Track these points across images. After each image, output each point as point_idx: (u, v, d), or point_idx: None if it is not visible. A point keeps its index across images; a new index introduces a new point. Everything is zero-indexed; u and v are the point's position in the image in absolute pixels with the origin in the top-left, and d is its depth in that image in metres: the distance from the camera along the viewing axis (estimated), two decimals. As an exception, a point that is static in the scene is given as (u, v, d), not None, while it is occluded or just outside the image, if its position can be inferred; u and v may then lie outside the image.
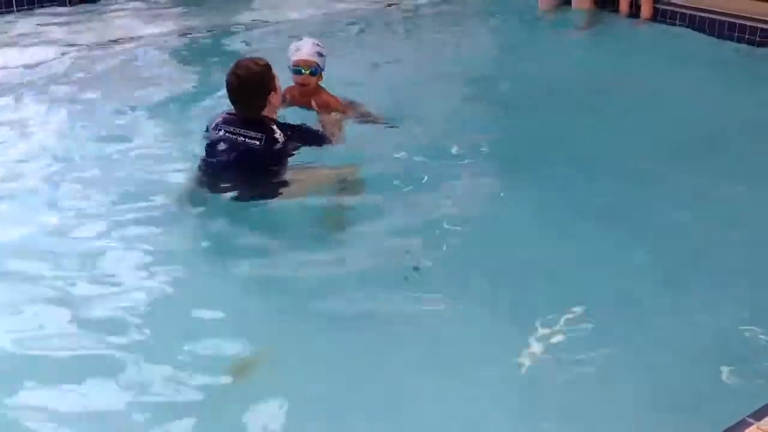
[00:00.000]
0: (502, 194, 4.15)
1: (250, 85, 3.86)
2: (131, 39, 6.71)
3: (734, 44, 6.41)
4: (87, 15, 7.34)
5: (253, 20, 7.31)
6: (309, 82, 4.52)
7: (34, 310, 3.19)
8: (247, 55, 4.62)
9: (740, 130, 4.88)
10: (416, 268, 3.42)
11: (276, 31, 6.95)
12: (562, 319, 3.11)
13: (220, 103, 4.37)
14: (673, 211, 3.97)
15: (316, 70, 4.51)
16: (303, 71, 4.49)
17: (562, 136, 4.75)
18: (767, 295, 3.29)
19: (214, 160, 3.91)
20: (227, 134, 3.89)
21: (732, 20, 6.52)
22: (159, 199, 3.95)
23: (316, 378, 2.83)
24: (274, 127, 3.92)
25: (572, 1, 7.37)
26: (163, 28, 7.04)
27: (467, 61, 6.33)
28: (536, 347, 2.98)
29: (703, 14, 6.70)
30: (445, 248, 3.63)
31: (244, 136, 3.86)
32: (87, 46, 6.48)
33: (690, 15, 6.78)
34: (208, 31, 6.98)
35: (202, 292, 3.34)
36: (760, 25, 6.37)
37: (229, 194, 3.83)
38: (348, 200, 3.91)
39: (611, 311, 3.20)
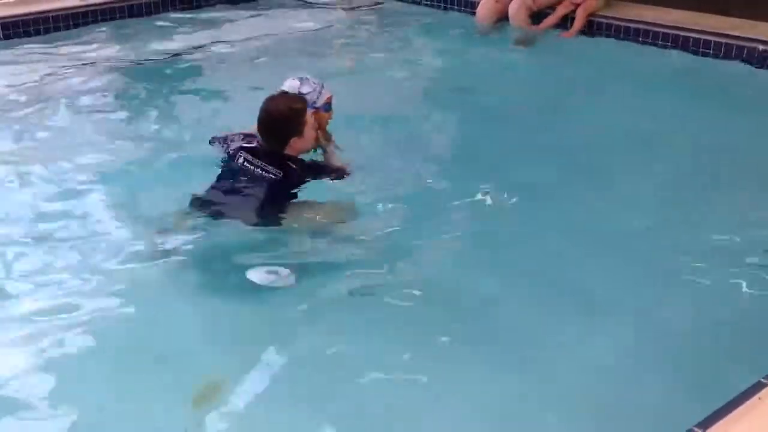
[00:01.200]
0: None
1: (276, 123, 3.87)
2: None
3: (671, 53, 6.51)
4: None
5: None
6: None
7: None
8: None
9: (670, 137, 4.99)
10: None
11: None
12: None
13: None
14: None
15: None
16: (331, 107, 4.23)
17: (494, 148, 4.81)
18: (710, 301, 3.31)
19: (227, 185, 3.87)
20: (246, 164, 3.86)
21: (665, 31, 6.62)
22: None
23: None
24: (294, 166, 3.90)
25: (509, 18, 7.39)
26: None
27: (403, 78, 6.30)
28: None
29: (635, 26, 6.77)
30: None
31: (262, 169, 3.85)
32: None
33: (623, 27, 6.86)
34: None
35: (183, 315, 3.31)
36: (691, 35, 6.47)
37: (229, 220, 3.76)
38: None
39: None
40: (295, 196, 3.89)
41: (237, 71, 6.42)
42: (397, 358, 2.98)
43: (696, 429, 2.24)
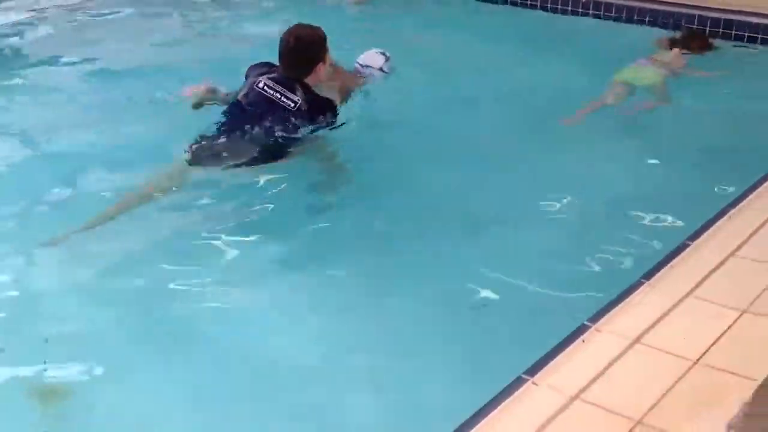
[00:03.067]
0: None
1: (307, 47, 3.95)
2: None
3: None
4: None
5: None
6: None
7: None
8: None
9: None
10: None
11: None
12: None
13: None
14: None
15: None
16: None
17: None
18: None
19: (246, 108, 3.93)
20: (267, 89, 3.94)
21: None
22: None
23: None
24: (311, 95, 3.97)
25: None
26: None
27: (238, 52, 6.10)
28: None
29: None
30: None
31: (281, 93, 3.93)
32: None
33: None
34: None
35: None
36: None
37: (238, 160, 3.79)
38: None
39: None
40: (304, 129, 3.94)
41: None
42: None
43: (524, 376, 2.27)
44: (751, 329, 2.42)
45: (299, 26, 4.00)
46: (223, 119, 3.94)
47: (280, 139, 3.88)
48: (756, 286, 2.61)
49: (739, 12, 5.73)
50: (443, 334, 2.83)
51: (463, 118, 4.66)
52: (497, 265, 3.17)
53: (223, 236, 3.45)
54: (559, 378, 2.26)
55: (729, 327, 2.43)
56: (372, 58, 4.66)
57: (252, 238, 3.48)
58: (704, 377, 2.23)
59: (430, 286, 3.09)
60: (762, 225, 2.97)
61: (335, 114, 4.04)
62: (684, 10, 5.94)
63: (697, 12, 5.88)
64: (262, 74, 4.01)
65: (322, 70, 4.00)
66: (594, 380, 2.24)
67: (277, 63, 3.99)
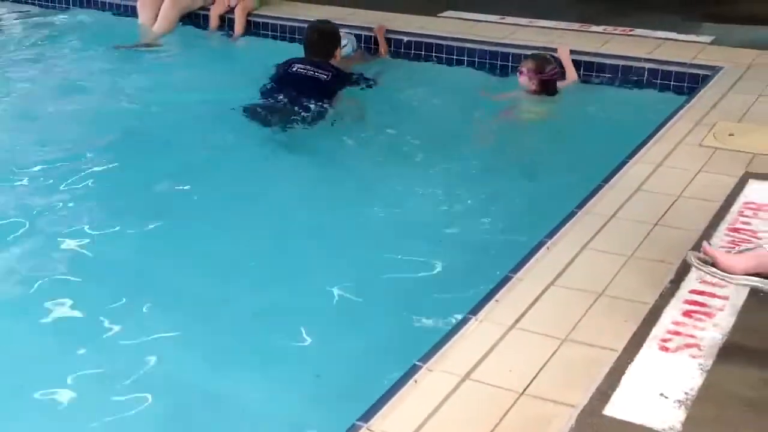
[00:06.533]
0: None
1: (327, 37, 5.65)
2: None
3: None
4: None
5: None
6: None
7: None
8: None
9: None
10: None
11: None
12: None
13: None
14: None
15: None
16: None
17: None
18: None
19: (285, 87, 5.26)
20: (299, 70, 5.37)
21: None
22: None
23: None
24: (336, 70, 5.47)
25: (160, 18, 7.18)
26: None
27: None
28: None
29: (296, 24, 6.88)
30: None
31: (314, 70, 5.36)
32: None
33: (286, 26, 6.93)
34: None
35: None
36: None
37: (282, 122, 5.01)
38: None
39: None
40: (338, 97, 5.34)
41: None
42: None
43: (358, 423, 2.27)
44: (571, 357, 2.53)
45: (320, 22, 5.79)
46: (267, 93, 5.25)
47: (321, 103, 5.17)
48: (575, 314, 2.74)
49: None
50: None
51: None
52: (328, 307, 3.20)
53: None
54: (393, 422, 2.27)
55: (551, 356, 2.54)
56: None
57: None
58: (530, 408, 2.31)
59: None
60: (577, 254, 3.13)
61: (355, 81, 5.53)
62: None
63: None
64: (289, 64, 5.41)
65: (338, 54, 5.68)
66: (426, 420, 2.27)
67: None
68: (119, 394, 2.84)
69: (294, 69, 5.36)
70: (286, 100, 5.16)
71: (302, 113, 5.09)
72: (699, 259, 2.89)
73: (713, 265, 2.56)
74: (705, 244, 2.58)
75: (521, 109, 5.40)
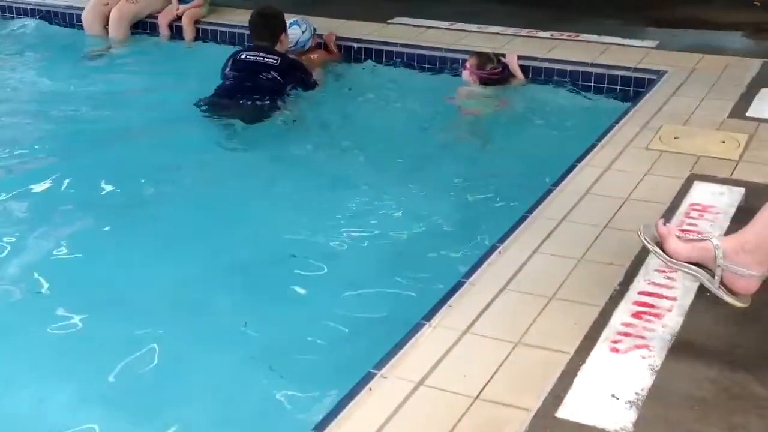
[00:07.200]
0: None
1: (272, 21, 5.59)
2: None
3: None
4: None
5: None
6: None
7: None
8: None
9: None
10: None
11: None
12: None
13: None
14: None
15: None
16: None
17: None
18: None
19: (238, 74, 5.35)
20: (249, 57, 5.44)
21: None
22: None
23: None
24: (283, 55, 5.52)
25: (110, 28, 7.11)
26: None
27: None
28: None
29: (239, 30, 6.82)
30: None
31: (264, 57, 5.42)
32: None
33: (233, 33, 6.88)
34: None
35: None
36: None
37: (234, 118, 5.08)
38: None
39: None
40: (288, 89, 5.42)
41: None
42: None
43: (313, 432, 2.26)
44: (524, 360, 2.55)
45: (262, 6, 5.65)
46: (221, 86, 5.34)
47: (270, 94, 5.26)
48: (527, 318, 2.76)
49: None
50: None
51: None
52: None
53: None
54: (348, 431, 2.26)
55: (504, 360, 2.56)
56: (295, 34, 5.95)
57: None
58: (485, 412, 2.32)
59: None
60: (529, 258, 3.16)
61: (307, 72, 5.58)
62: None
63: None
64: (236, 53, 5.49)
65: (284, 40, 5.61)
66: (381, 428, 2.27)
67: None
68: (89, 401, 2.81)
69: (242, 56, 5.44)
70: (239, 89, 5.26)
71: (257, 101, 5.22)
72: (648, 236, 2.86)
73: (660, 245, 2.57)
74: (660, 221, 2.60)
75: (475, 104, 5.50)
